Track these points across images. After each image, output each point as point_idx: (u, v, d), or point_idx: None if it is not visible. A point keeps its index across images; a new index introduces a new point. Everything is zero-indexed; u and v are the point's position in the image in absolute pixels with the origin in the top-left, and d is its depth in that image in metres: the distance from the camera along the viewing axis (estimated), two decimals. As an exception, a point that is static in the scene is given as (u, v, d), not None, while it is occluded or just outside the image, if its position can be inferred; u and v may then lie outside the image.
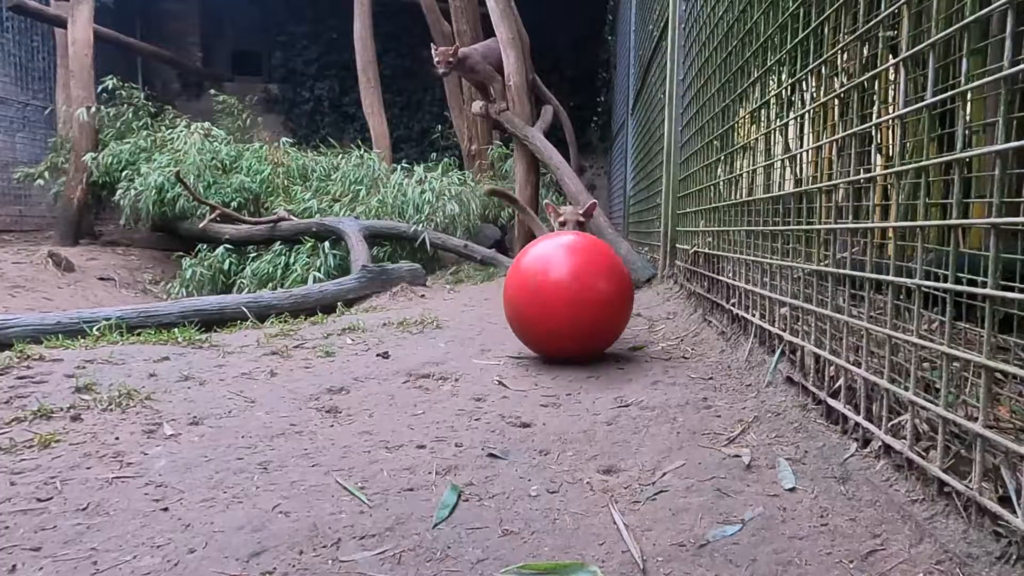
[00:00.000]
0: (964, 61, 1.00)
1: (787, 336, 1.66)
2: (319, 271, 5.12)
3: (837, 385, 1.38)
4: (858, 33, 1.30)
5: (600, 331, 2.14)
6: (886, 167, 1.47)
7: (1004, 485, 0.92)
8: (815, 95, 1.62)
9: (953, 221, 1.00)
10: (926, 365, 1.23)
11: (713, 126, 2.53)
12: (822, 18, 1.46)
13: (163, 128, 7.33)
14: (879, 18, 1.25)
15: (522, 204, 3.71)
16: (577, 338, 2.10)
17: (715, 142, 2.49)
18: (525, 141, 5.45)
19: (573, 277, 2.06)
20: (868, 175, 1.34)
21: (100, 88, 7.44)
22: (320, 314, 3.55)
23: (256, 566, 1.03)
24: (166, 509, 1.23)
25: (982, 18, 0.96)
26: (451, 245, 5.63)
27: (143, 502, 1.26)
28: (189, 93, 11.55)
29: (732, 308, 2.15)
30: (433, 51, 5.18)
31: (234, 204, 6.16)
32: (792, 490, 1.21)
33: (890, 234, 1.19)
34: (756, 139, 2.00)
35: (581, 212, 2.93)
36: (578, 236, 2.22)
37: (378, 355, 2.39)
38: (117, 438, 1.59)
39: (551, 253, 2.13)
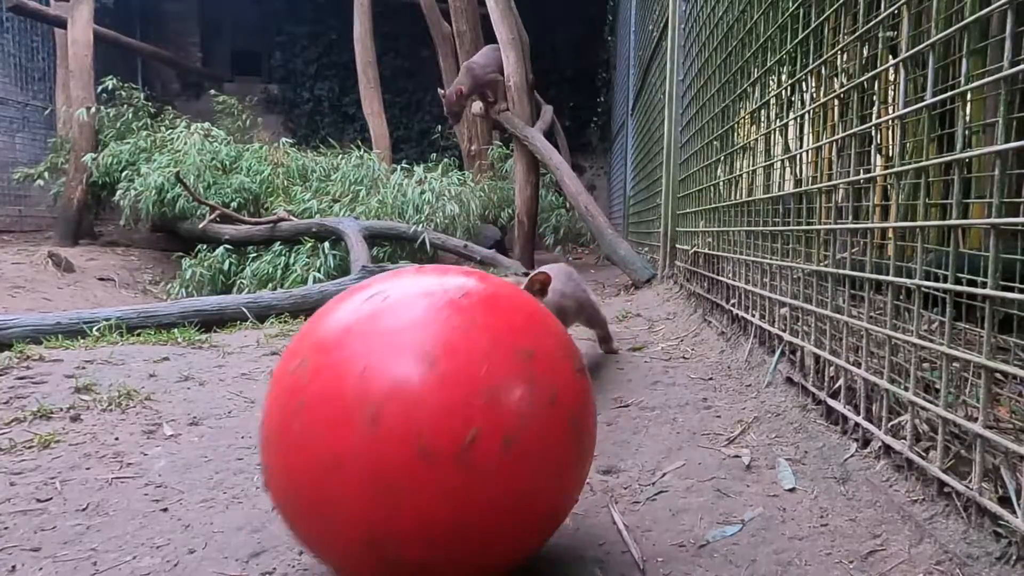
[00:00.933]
0: (964, 61, 1.00)
1: (787, 336, 1.66)
2: (319, 271, 5.11)
3: (837, 385, 1.38)
4: (858, 33, 1.30)
5: (516, 526, 0.84)
6: (886, 167, 1.47)
7: (1004, 485, 0.92)
8: (815, 95, 1.62)
9: (953, 221, 1.00)
10: (926, 365, 1.23)
11: (713, 126, 2.53)
12: (822, 18, 1.47)
13: (163, 128, 7.32)
14: (879, 18, 1.25)
15: None
16: (459, 546, 0.79)
17: (715, 142, 2.49)
18: (525, 141, 5.45)
19: (455, 400, 0.78)
20: (868, 175, 1.34)
21: (100, 88, 7.43)
22: (320, 314, 3.54)
23: (256, 566, 1.03)
24: (166, 510, 1.23)
25: (982, 18, 0.96)
26: (451, 245, 5.62)
27: (143, 502, 1.26)
28: (189, 93, 11.54)
29: (732, 308, 2.15)
30: (442, 97, 5.34)
31: (234, 204, 6.16)
32: (792, 490, 1.21)
33: (890, 234, 1.19)
34: (756, 139, 2.00)
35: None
36: (467, 277, 0.93)
37: (378, 355, 2.39)
38: (117, 438, 1.58)
39: (391, 322, 0.83)
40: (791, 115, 1.76)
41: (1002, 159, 0.90)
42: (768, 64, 1.85)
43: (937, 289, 1.07)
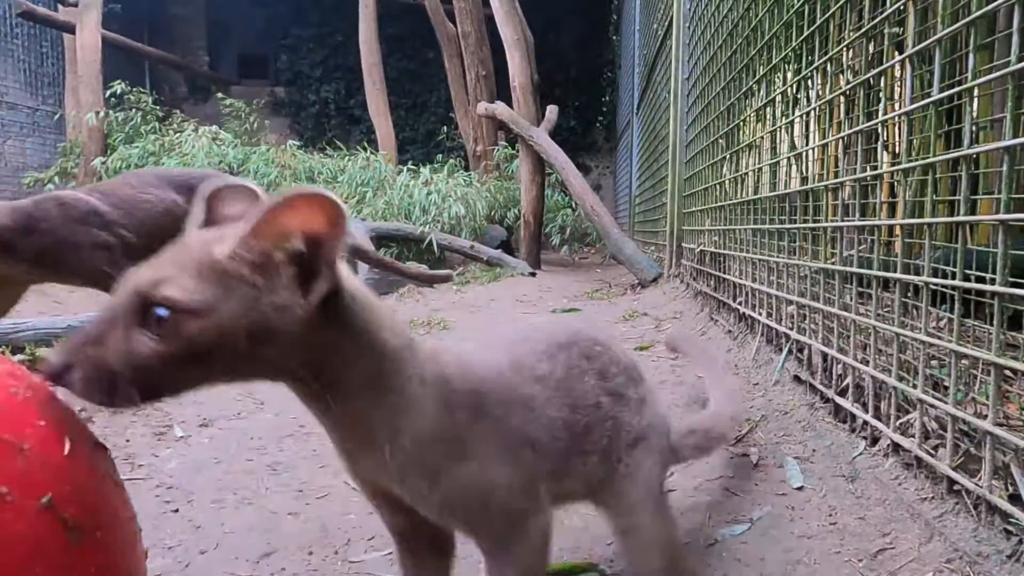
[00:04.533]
0: (971, 57, 0.99)
1: (794, 335, 1.65)
2: (326, 273, 5.13)
3: (845, 383, 1.38)
4: (863, 30, 1.30)
5: None
6: (893, 164, 1.46)
7: (1014, 483, 0.91)
8: (821, 92, 1.61)
9: (961, 218, 1.00)
10: (934, 363, 1.22)
11: (718, 125, 2.53)
12: (827, 15, 1.46)
13: (171, 132, 7.36)
14: (884, 15, 1.24)
15: None
16: None
17: (720, 141, 2.49)
18: (530, 141, 5.46)
19: None
20: (875, 172, 1.33)
21: (109, 93, 7.48)
22: (327, 316, 3.55)
23: (266, 566, 1.04)
24: (177, 510, 1.24)
25: (988, 13, 0.95)
26: (457, 246, 5.63)
27: (154, 504, 1.27)
28: (196, 97, 11.61)
29: (739, 307, 2.14)
30: None
31: (242, 207, 6.20)
32: (800, 489, 1.20)
33: (897, 231, 1.18)
34: (762, 137, 1.99)
35: None
36: None
37: (385, 356, 2.40)
38: (128, 440, 1.60)
39: None
40: (797, 112, 1.76)
41: (1010, 155, 0.90)
42: (773, 62, 1.84)
43: (945, 286, 1.06)
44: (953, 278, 1.02)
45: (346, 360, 0.63)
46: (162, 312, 0.55)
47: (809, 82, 1.68)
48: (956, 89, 1.03)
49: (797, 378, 1.61)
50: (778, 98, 1.85)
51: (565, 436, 0.76)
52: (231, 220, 0.63)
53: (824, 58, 1.49)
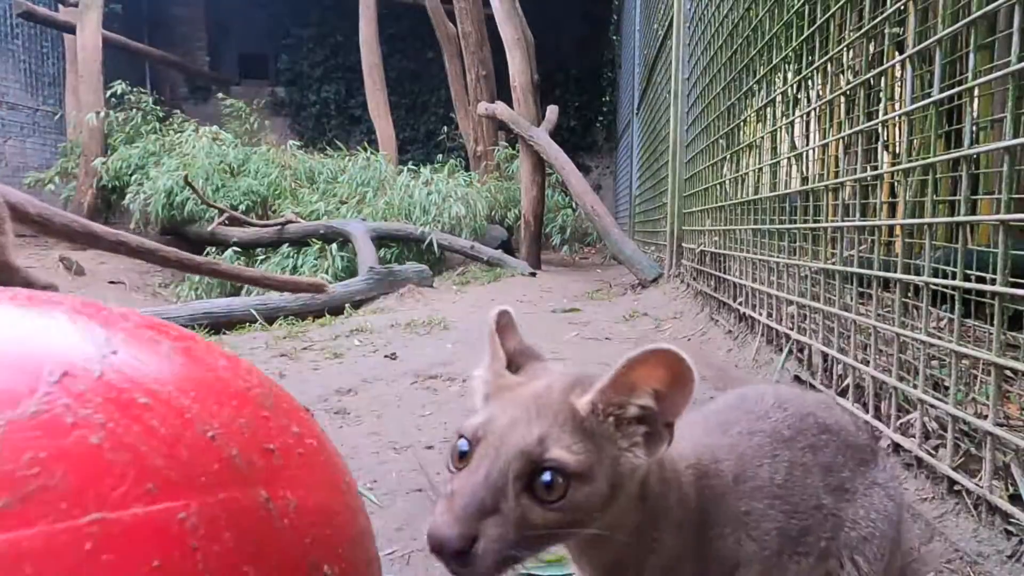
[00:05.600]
0: (971, 57, 0.99)
1: (794, 335, 1.65)
2: (327, 273, 5.13)
3: (845, 383, 1.38)
4: (864, 30, 1.30)
5: None
6: (893, 164, 1.46)
7: (1015, 483, 0.91)
8: (821, 93, 1.61)
9: (961, 218, 1.00)
10: (935, 363, 1.22)
11: (719, 125, 2.53)
12: (827, 15, 1.46)
13: (171, 132, 7.37)
14: (885, 15, 1.24)
15: None
16: None
17: (721, 141, 2.49)
18: (530, 141, 5.46)
19: None
20: (875, 172, 1.33)
21: (109, 93, 7.49)
22: (328, 316, 3.56)
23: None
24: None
25: (989, 13, 0.95)
26: (458, 246, 5.63)
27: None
28: (197, 97, 11.62)
29: (739, 307, 2.14)
30: None
31: (242, 207, 6.20)
32: (801, 489, 1.20)
33: (897, 231, 1.18)
34: (762, 137, 1.99)
35: None
36: None
37: (386, 356, 2.40)
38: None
39: None
40: (797, 112, 1.76)
41: (1010, 155, 0.90)
42: (774, 62, 1.84)
43: (945, 286, 1.06)
44: (953, 278, 1.02)
45: (634, 514, 0.61)
46: (550, 478, 0.52)
47: (809, 82, 1.68)
48: (957, 89, 1.03)
49: (797, 378, 1.61)
50: (778, 98, 1.85)
51: (776, 544, 0.70)
52: (517, 354, 0.65)
53: (824, 58, 1.49)
